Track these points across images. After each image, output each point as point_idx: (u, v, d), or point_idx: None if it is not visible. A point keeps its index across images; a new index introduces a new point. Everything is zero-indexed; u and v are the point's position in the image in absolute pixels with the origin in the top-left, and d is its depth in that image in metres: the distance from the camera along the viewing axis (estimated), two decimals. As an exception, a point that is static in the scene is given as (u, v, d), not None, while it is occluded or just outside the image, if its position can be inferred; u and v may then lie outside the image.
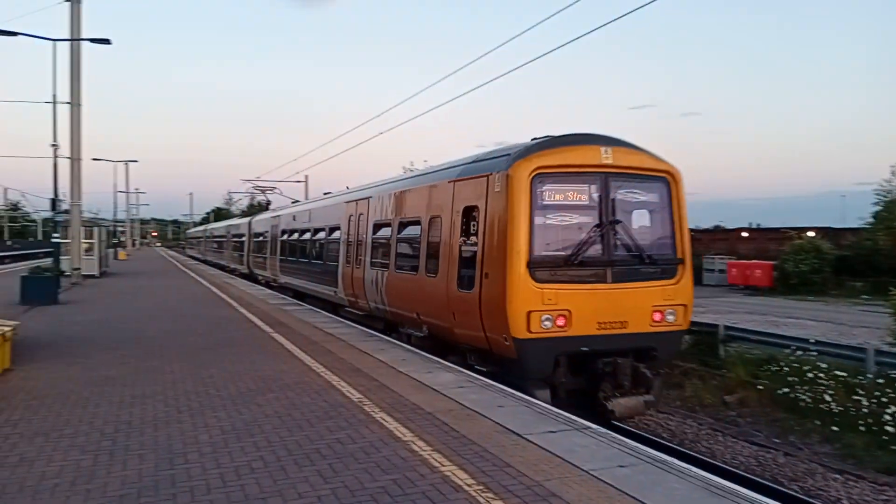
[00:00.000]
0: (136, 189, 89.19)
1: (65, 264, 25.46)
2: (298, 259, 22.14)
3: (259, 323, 14.57)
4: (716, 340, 15.24)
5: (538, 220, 9.29)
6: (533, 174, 9.24)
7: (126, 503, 4.69)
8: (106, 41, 24.63)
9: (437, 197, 11.64)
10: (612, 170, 9.64)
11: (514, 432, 6.35)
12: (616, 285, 9.51)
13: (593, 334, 9.34)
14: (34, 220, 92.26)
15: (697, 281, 38.20)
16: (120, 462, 5.54)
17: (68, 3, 24.37)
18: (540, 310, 9.02)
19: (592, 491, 4.89)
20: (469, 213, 10.41)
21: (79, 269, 25.93)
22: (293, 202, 30.86)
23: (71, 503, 4.68)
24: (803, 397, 11.47)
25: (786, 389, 11.89)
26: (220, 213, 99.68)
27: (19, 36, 23.11)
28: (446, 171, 11.84)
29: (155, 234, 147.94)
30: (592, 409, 9.51)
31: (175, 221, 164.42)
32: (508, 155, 9.75)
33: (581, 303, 9.27)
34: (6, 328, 9.31)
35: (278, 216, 27.14)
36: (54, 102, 24.67)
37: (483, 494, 4.83)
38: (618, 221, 9.62)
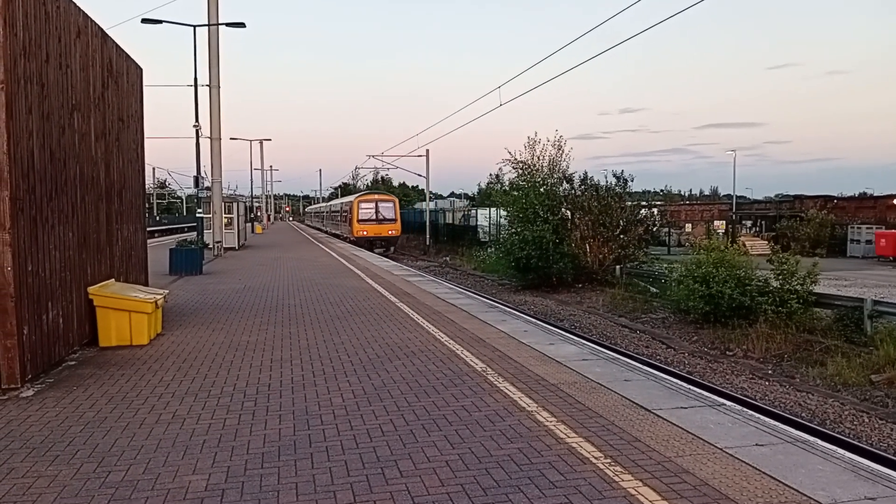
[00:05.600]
0: (271, 166, 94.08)
1: (207, 237, 27.27)
2: (332, 221, 60.73)
3: (385, 293, 15.01)
4: (861, 316, 14.20)
5: (359, 213, 44.34)
6: (358, 202, 45.46)
7: (268, 461, 4.98)
8: (241, 24, 25.90)
9: (345, 206, 51.06)
10: (378, 201, 45.57)
11: (642, 407, 6.20)
12: (377, 225, 44.24)
13: (372, 235, 43.51)
14: (179, 197, 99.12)
15: (841, 253, 36.24)
16: (261, 422, 5.89)
17: (206, -10, 25.76)
18: (360, 230, 43.88)
19: (728, 469, 4.69)
20: (351, 209, 45.80)
21: (220, 241, 27.70)
22: (340, 194, 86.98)
23: (218, 459, 5.02)
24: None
25: (945, 370, 10.92)
26: (346, 189, 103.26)
27: (163, 24, 24.74)
28: (346, 196, 62.64)
29: (288, 208, 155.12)
30: (370, 248, 38.59)
31: (306, 196, 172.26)
32: (355, 196, 49.59)
33: (370, 228, 44.03)
34: (158, 296, 10.03)
35: (329, 204, 72.78)
36: (195, 85, 26.23)
37: (611, 468, 4.76)
38: (378, 210, 44.49)
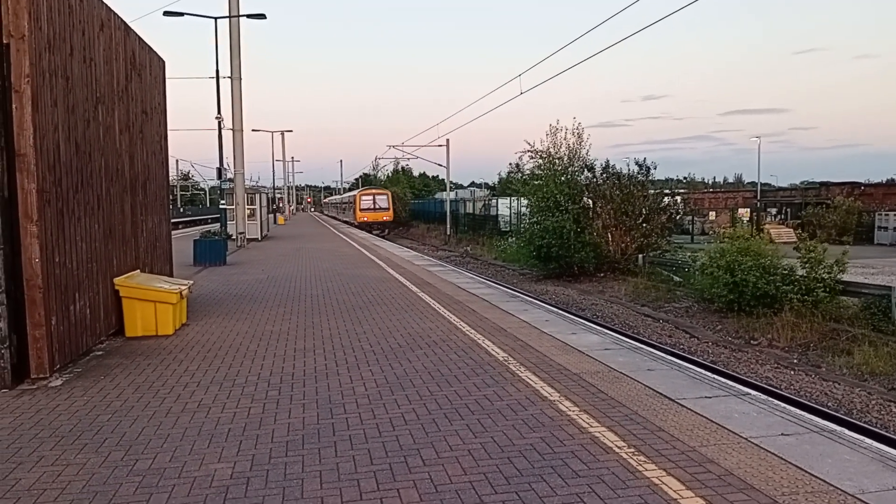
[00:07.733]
0: (292, 157, 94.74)
1: (231, 228, 27.50)
2: (342, 211, 77.94)
3: (406, 283, 15.05)
4: (889, 304, 13.98)
5: (361, 203, 59.78)
6: (360, 195, 61.70)
7: (292, 449, 5.02)
8: (262, 16, 25.99)
9: (351, 198, 67.98)
10: (375, 194, 61.98)
11: (665, 396, 6.16)
12: (374, 213, 59.04)
13: (371, 221, 57.11)
14: (203, 189, 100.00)
15: (868, 240, 35.67)
16: (285, 411, 5.94)
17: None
18: (361, 216, 58.36)
19: (753, 459, 4.65)
20: (354, 201, 61.95)
21: (243, 232, 27.92)
22: (348, 189, 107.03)
23: (243, 447, 5.07)
24: None
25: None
26: (366, 179, 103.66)
27: (185, 16, 24.90)
28: (353, 191, 78.02)
29: (310, 200, 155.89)
30: (370, 231, 50.19)
31: (327, 187, 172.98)
32: (358, 190, 70.14)
33: (369, 215, 58.54)
34: (183, 287, 10.13)
35: (340, 197, 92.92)
36: (217, 77, 26.38)
37: (634, 457, 4.74)
38: (375, 201, 59.97)
